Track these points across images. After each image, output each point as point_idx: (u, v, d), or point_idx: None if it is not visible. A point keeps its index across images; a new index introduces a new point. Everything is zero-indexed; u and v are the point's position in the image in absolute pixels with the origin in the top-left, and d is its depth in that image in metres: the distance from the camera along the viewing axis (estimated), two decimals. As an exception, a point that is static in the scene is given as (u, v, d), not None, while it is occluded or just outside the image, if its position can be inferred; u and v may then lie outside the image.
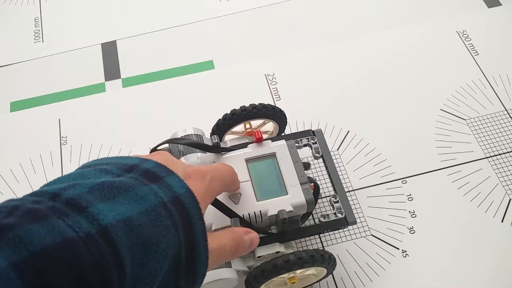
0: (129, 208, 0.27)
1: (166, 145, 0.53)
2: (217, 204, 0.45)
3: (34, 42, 0.80)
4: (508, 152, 0.64)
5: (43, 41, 0.80)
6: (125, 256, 0.25)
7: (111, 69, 0.75)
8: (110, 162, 0.31)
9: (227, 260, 0.38)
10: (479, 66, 0.73)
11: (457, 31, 0.77)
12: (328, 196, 0.60)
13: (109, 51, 0.78)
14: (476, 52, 0.74)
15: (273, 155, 0.51)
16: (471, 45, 0.75)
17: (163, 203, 0.28)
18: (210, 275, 0.45)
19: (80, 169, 0.30)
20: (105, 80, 0.74)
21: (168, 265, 0.28)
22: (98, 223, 0.24)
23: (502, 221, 0.59)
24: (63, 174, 0.29)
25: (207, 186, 0.35)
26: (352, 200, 0.61)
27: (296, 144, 0.53)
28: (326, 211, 0.60)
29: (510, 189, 0.61)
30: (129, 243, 0.25)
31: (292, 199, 0.48)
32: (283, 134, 0.60)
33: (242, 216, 0.46)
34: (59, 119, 0.70)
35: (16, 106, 0.72)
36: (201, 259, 0.30)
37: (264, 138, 0.53)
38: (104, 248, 0.24)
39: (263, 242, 0.49)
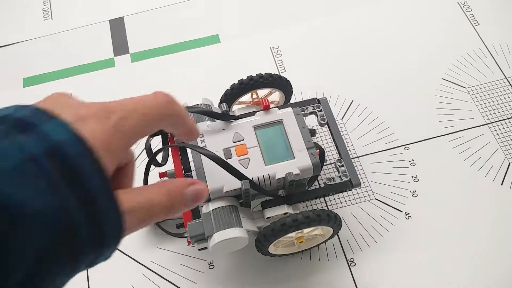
0: None
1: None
2: (227, 167, 0.47)
3: (44, 20, 0.81)
4: (507, 119, 0.66)
5: (52, 19, 0.81)
6: None
7: (120, 45, 0.77)
8: None
9: (161, 217, 0.29)
10: (479, 36, 0.74)
11: (458, 2, 0.78)
12: (334, 162, 0.62)
13: (117, 27, 0.79)
14: (477, 22, 0.76)
15: (280, 122, 0.53)
16: (472, 15, 0.76)
17: (32, 158, 0.22)
18: (222, 234, 0.47)
19: None
20: (114, 55, 0.76)
21: (48, 229, 0.22)
22: None
23: (501, 184, 0.61)
24: None
25: (113, 128, 0.26)
26: (357, 166, 0.63)
27: (302, 112, 0.55)
28: (332, 175, 0.62)
29: (509, 154, 0.63)
30: None
31: (299, 162, 0.50)
32: (289, 103, 0.62)
33: (251, 179, 0.49)
34: (71, 93, 0.72)
35: (29, 81, 0.74)
36: (108, 218, 0.24)
37: (271, 107, 0.55)
38: None
39: (271, 204, 0.51)
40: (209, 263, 0.58)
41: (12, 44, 0.79)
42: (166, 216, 0.30)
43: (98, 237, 0.24)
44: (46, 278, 0.23)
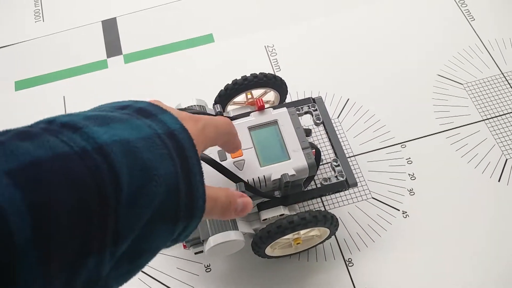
0: (125, 132, 0.27)
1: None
2: (222, 169, 0.47)
3: (35, 22, 0.80)
4: (504, 114, 0.66)
5: (43, 20, 0.80)
6: (122, 174, 0.24)
7: (113, 46, 0.76)
8: (105, 105, 0.31)
9: (216, 215, 0.36)
10: (475, 32, 0.74)
11: (453, -3, 0.78)
12: (330, 161, 0.62)
13: (110, 28, 0.78)
14: (472, 17, 0.75)
15: (275, 122, 0.52)
16: (467, 10, 0.76)
17: (158, 134, 0.28)
18: (218, 238, 0.47)
19: None
20: (107, 57, 0.75)
21: (166, 192, 0.27)
22: (94, 140, 0.24)
23: (499, 181, 0.61)
24: None
25: (200, 130, 0.34)
26: (353, 165, 0.63)
27: (297, 112, 0.54)
28: (328, 175, 0.62)
29: (506, 150, 0.63)
30: (127, 163, 0.25)
31: (294, 163, 0.49)
32: (284, 103, 0.62)
33: (246, 181, 0.48)
34: (64, 97, 0.72)
35: (21, 85, 0.74)
36: (199, 192, 0.30)
37: (265, 107, 0.54)
38: (101, 164, 0.24)
39: (267, 206, 0.51)
40: (205, 266, 0.58)
41: (3, 47, 0.78)
42: (220, 215, 0.36)
43: (190, 206, 0.30)
44: (151, 235, 0.27)
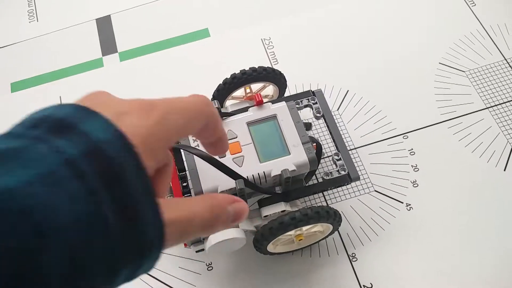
0: (9, 179, 0.19)
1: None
2: (220, 166, 0.46)
3: (29, 22, 0.79)
4: (508, 101, 0.64)
5: (37, 20, 0.79)
6: None
7: (108, 44, 0.75)
8: (25, 118, 0.24)
9: (200, 234, 0.27)
10: (476, 17, 0.72)
11: (453, -17, 0.76)
12: (331, 155, 0.61)
13: (104, 25, 0.77)
14: (473, 2, 0.74)
15: (274, 117, 0.51)
16: (467, -4, 0.74)
17: (69, 161, 0.20)
18: (218, 236, 0.46)
19: None
20: (102, 55, 0.74)
21: (85, 241, 0.20)
22: None
23: (504, 170, 0.60)
24: None
25: (155, 122, 0.24)
26: (355, 158, 0.62)
27: (297, 105, 0.53)
28: (329, 169, 0.61)
29: (511, 138, 0.62)
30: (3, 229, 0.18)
31: (294, 158, 0.48)
32: (283, 96, 0.60)
33: (246, 178, 0.47)
34: (60, 97, 0.71)
35: (17, 86, 0.73)
36: (149, 228, 0.22)
37: (264, 101, 0.53)
38: None
39: (269, 202, 0.50)
40: (207, 264, 0.57)
41: (-2, 48, 0.77)
42: (204, 233, 0.28)
43: (136, 247, 0.21)
44: None
